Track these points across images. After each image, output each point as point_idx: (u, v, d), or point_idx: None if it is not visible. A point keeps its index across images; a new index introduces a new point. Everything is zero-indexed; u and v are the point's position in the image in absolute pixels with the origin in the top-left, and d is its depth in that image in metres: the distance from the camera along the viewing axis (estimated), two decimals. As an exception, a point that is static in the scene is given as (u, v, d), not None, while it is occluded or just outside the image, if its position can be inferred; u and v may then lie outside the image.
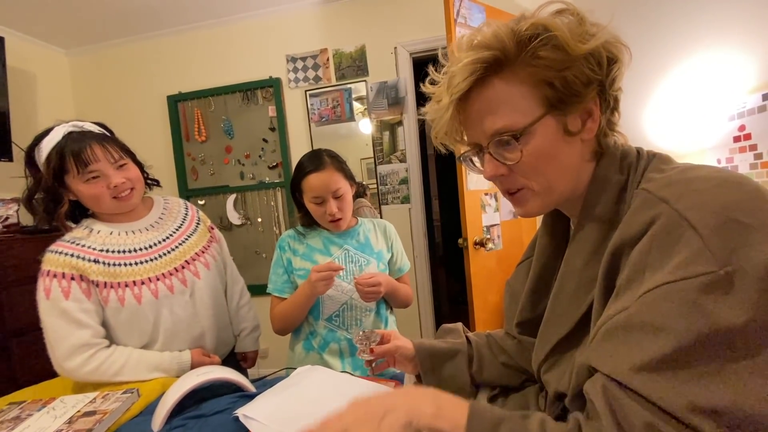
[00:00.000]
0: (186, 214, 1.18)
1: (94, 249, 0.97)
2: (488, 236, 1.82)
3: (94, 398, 0.83)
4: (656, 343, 0.38)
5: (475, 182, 1.78)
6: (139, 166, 1.08)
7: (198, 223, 1.19)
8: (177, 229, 1.12)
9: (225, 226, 2.58)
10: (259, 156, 2.54)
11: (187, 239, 1.12)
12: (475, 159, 0.58)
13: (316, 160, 1.11)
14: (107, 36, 2.59)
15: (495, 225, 1.88)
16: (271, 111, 2.50)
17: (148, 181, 1.13)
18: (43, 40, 2.54)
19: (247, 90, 2.51)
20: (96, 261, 0.96)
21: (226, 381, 0.87)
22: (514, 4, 2.07)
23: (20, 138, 2.01)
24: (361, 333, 0.81)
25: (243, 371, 1.27)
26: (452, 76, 0.51)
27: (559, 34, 0.47)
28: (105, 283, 0.95)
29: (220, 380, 0.86)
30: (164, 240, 1.08)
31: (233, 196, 2.57)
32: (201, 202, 2.61)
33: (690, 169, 0.46)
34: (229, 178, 2.59)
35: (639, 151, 0.53)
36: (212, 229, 1.24)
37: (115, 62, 2.68)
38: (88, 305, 0.94)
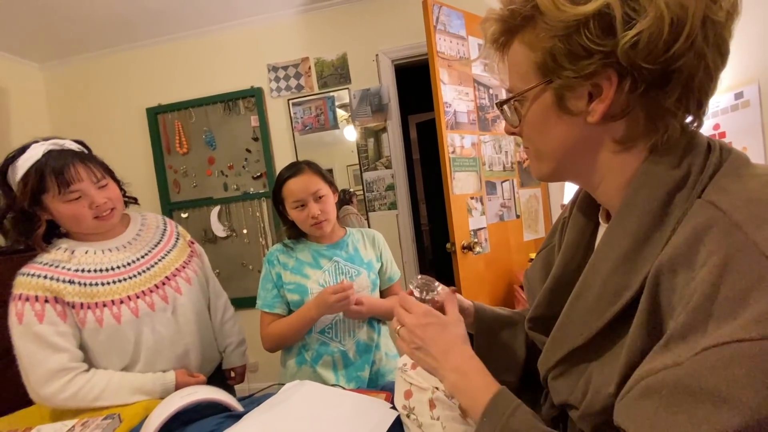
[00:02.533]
0: (164, 229, 1.16)
1: (68, 269, 0.93)
2: (475, 240, 1.82)
3: (73, 426, 0.79)
4: (715, 415, 0.30)
5: (460, 186, 1.78)
6: (117, 183, 1.05)
7: (177, 238, 1.16)
8: (155, 246, 1.09)
9: (210, 238, 2.53)
10: (243, 166, 2.50)
11: (166, 255, 1.09)
12: None
13: (293, 167, 1.16)
14: (82, 49, 2.54)
15: (482, 228, 1.88)
16: (254, 121, 2.47)
17: (126, 199, 1.10)
18: (15, 55, 2.47)
19: (229, 100, 2.48)
20: (71, 282, 0.92)
21: (212, 401, 0.84)
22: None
23: (-8, 156, 1.94)
24: (420, 279, 0.70)
25: (230, 389, 1.24)
26: (485, 22, 0.49)
27: None
28: (81, 304, 0.92)
29: (206, 401, 0.83)
30: (143, 257, 1.05)
31: (217, 207, 2.52)
32: (184, 215, 2.56)
33: None
34: (212, 189, 2.54)
35: (710, 144, 0.42)
36: (192, 243, 1.21)
37: (91, 75, 2.62)
38: (64, 328, 0.91)
